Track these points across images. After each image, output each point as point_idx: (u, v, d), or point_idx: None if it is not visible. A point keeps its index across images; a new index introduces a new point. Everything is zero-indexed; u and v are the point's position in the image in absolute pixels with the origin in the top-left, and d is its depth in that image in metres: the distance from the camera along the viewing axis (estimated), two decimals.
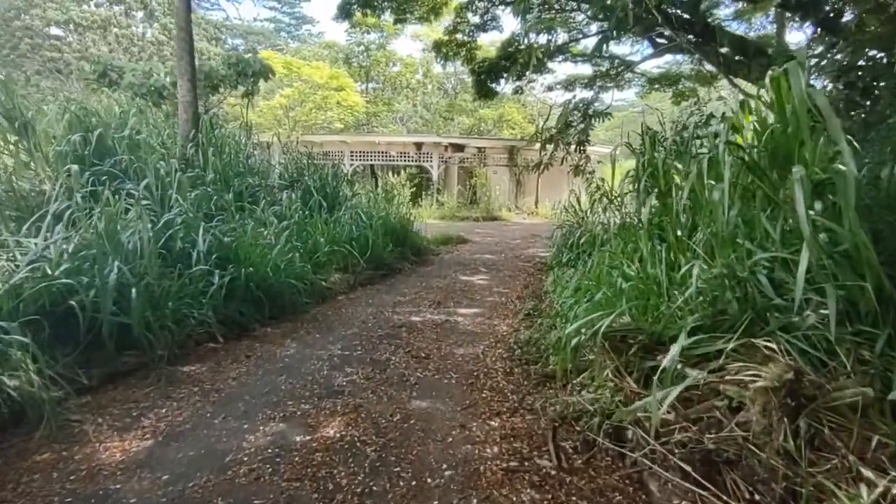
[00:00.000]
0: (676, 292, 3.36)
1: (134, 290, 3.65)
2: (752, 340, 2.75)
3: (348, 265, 7.16)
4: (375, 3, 13.28)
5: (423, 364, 4.06)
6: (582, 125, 8.98)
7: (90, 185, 5.24)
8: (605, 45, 6.69)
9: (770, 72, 3.07)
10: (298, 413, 3.16)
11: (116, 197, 4.56)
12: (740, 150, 3.19)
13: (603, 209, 9.81)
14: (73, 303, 3.40)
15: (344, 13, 12.16)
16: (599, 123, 9.54)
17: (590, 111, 9.35)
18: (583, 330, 3.46)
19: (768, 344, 2.67)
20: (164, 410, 3.16)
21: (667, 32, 10.48)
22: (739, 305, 2.95)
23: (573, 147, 8.77)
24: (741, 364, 2.68)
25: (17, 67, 23.53)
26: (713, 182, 3.26)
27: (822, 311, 2.64)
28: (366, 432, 2.92)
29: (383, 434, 2.90)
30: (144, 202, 4.98)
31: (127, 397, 3.32)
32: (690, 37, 10.13)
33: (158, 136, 7.29)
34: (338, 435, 2.88)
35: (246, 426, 2.97)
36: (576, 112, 8.94)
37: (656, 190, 5.47)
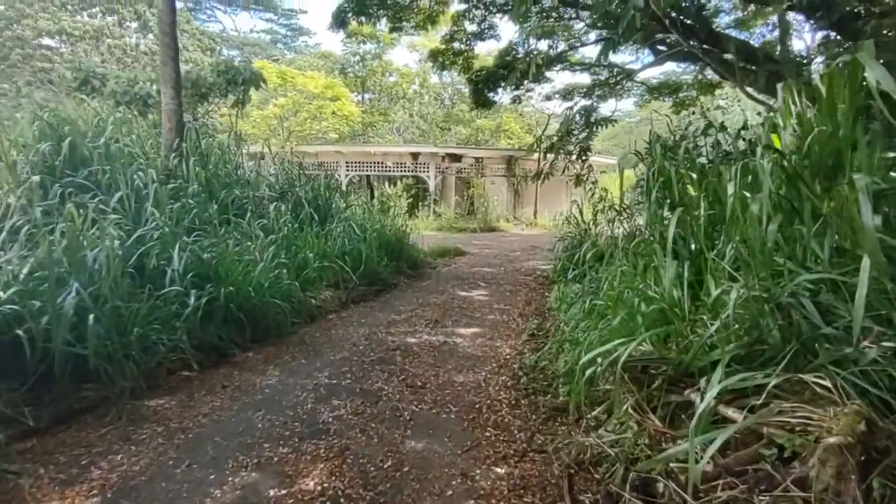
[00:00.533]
0: (704, 317, 2.98)
1: (91, 317, 3.24)
2: (800, 376, 2.37)
3: (340, 281, 6.76)
4: (370, 12, 12.99)
5: (418, 394, 3.66)
6: (584, 133, 8.65)
7: (59, 197, 4.86)
8: (610, 50, 6.38)
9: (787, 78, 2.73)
10: (275, 459, 2.74)
11: (81, 211, 4.17)
12: (778, 156, 2.82)
13: (607, 221, 9.49)
14: (20, 332, 2.99)
15: (338, 22, 11.87)
16: (601, 131, 9.21)
17: (592, 118, 9.03)
18: (599, 359, 3.07)
19: (819, 381, 2.29)
20: (119, 457, 2.74)
21: (671, 38, 10.23)
22: (781, 334, 2.57)
23: (574, 156, 8.43)
24: (791, 405, 2.29)
25: (7, 78, 23.20)
26: (747, 193, 2.89)
27: (885, 344, 2.26)
28: (352, 483, 2.51)
29: (372, 486, 2.50)
30: (116, 217, 4.59)
31: (79, 440, 2.91)
32: (693, 43, 9.88)
33: (140, 145, 6.91)
34: (319, 488, 2.47)
35: (213, 476, 2.56)
36: (577, 119, 8.61)
37: (668, 201, 5.11)
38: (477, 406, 3.48)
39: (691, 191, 4.81)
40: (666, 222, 4.94)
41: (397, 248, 8.99)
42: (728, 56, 10.94)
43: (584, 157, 8.47)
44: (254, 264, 5.05)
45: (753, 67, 9.48)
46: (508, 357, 4.57)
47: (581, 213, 9.40)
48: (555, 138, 8.08)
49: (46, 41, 22.88)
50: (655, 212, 5.01)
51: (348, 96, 17.92)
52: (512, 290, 7.97)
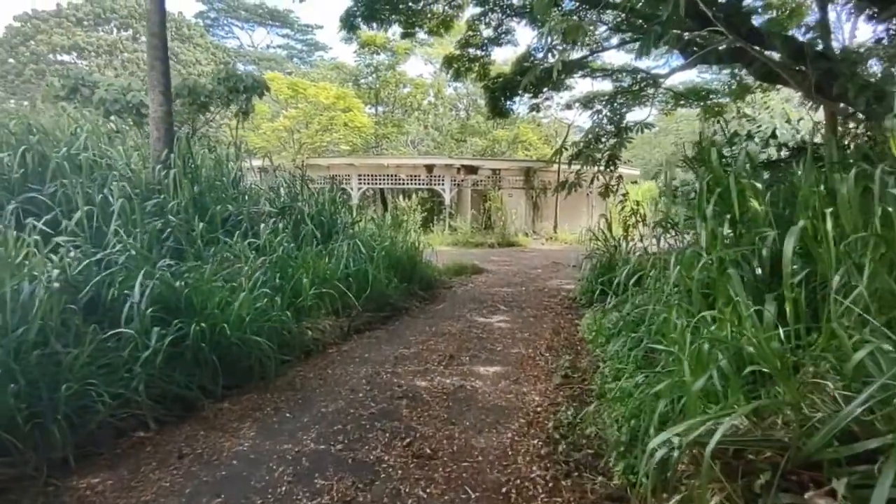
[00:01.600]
0: (830, 384, 2.12)
1: None
2: None
3: (343, 307, 5.99)
4: (382, 17, 12.36)
5: (427, 469, 2.83)
6: (614, 139, 7.83)
7: (13, 216, 4.18)
8: (651, 45, 5.59)
9: None
10: None
11: (28, 234, 3.46)
12: None
13: (640, 237, 8.61)
14: None
15: (347, 26, 11.25)
16: (634, 136, 8.36)
17: (623, 123, 8.19)
18: (675, 439, 2.23)
19: None
20: None
21: (702, 38, 9.41)
22: None
23: (602, 164, 7.61)
24: None
25: (23, 94, 23.21)
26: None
27: None
28: None
29: None
30: (68, 239, 3.88)
31: None
32: (730, 38, 9.05)
33: (125, 157, 6.27)
34: None
35: None
36: (606, 124, 7.80)
37: (728, 216, 4.24)
38: (503, 489, 2.64)
39: (755, 205, 3.97)
40: (727, 241, 4.12)
41: (409, 268, 8.21)
42: (768, 55, 10.03)
43: (612, 166, 7.63)
44: (236, 292, 4.29)
45: (799, 67, 8.58)
46: (539, 408, 3.72)
47: (609, 227, 8.55)
48: (581, 145, 7.26)
49: (62, 57, 22.88)
50: (713, 230, 4.15)
51: (361, 107, 17.35)
52: (536, 315, 7.12)
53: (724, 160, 4.33)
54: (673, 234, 5.75)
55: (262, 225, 6.02)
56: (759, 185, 4.07)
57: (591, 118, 8.56)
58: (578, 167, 7.32)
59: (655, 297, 4.41)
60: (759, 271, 3.59)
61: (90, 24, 23.92)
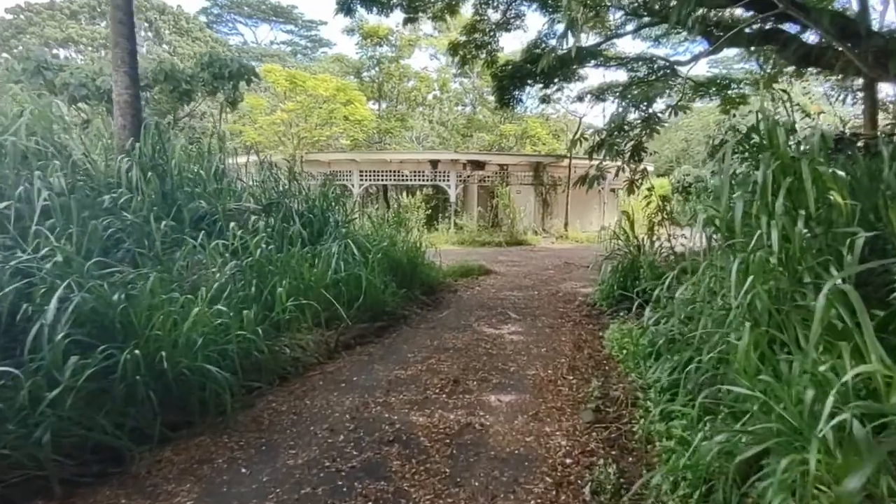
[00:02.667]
0: None
1: None
2: None
3: (331, 318, 5.18)
4: (382, 1, 11.51)
5: None
6: (639, 128, 6.97)
7: None
8: (689, 7, 4.77)
9: None
10: None
11: None
12: None
13: (668, 236, 7.75)
14: None
15: (344, 9, 10.43)
16: (665, 124, 7.48)
17: (652, 108, 7.32)
18: None
19: None
20: None
21: (738, 8, 8.55)
22: None
23: (627, 155, 6.75)
24: None
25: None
26: None
27: None
28: None
29: None
30: None
31: None
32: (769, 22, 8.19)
33: (84, 145, 5.49)
34: None
35: None
36: (632, 108, 6.93)
37: (803, 212, 3.40)
38: None
39: (838, 198, 3.16)
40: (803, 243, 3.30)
41: (409, 270, 7.40)
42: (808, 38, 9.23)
43: (637, 158, 6.78)
44: (190, 306, 3.49)
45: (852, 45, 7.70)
46: (568, 459, 2.90)
47: (631, 225, 7.71)
48: (603, 134, 6.41)
49: (56, 51, 22.23)
50: (782, 226, 3.31)
51: (362, 100, 16.55)
52: (552, 324, 6.29)
53: (828, 140, 3.46)
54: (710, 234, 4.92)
55: (233, 224, 5.20)
56: (841, 174, 3.27)
57: (615, 102, 7.68)
58: (599, 160, 6.48)
59: (707, 311, 3.59)
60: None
61: (86, 17, 23.27)
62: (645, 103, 7.24)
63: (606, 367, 4.57)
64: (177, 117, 8.39)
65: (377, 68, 22.08)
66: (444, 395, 3.83)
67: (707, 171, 27.14)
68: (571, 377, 4.31)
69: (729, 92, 15.20)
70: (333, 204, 7.36)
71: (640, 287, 7.29)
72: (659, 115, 7.14)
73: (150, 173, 5.28)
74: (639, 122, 6.97)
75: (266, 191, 6.98)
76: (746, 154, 4.41)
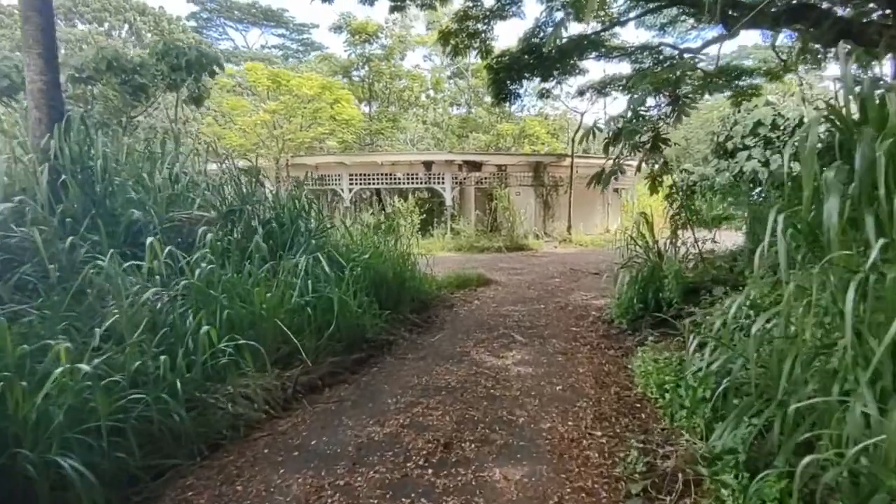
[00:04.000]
0: None
1: None
2: None
3: (292, 353, 4.15)
4: None
5: None
6: (664, 114, 5.94)
7: None
8: None
9: None
10: None
11: None
12: None
13: (695, 240, 6.75)
14: None
15: None
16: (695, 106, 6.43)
17: (679, 89, 6.27)
18: None
19: None
20: None
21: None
22: None
23: (648, 146, 5.73)
24: None
25: None
26: None
27: None
28: None
29: None
30: None
31: None
32: None
33: None
34: None
35: None
36: (655, 94, 5.89)
37: None
38: None
39: None
40: None
41: (396, 286, 6.38)
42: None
43: (660, 148, 5.76)
44: (61, 362, 2.44)
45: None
46: None
47: (650, 227, 6.69)
48: (620, 121, 5.38)
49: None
50: None
51: (350, 99, 15.54)
52: (565, 349, 5.25)
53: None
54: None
55: (201, 232, 4.16)
56: None
57: (616, 99, 6.66)
58: (616, 154, 5.46)
59: (793, 352, 2.57)
60: None
61: (59, 17, 22.24)
62: (675, 80, 6.15)
63: (643, 415, 3.53)
64: (129, 115, 7.37)
65: (367, 67, 21.05)
66: (429, 471, 2.78)
67: (711, 169, 26.21)
68: (599, 432, 3.27)
69: (740, 83, 14.16)
70: (306, 210, 6.32)
71: (664, 299, 6.30)
72: (688, 96, 6.13)
73: (67, 177, 4.25)
74: (664, 104, 5.92)
75: (226, 197, 5.94)
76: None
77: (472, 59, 27.24)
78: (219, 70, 8.14)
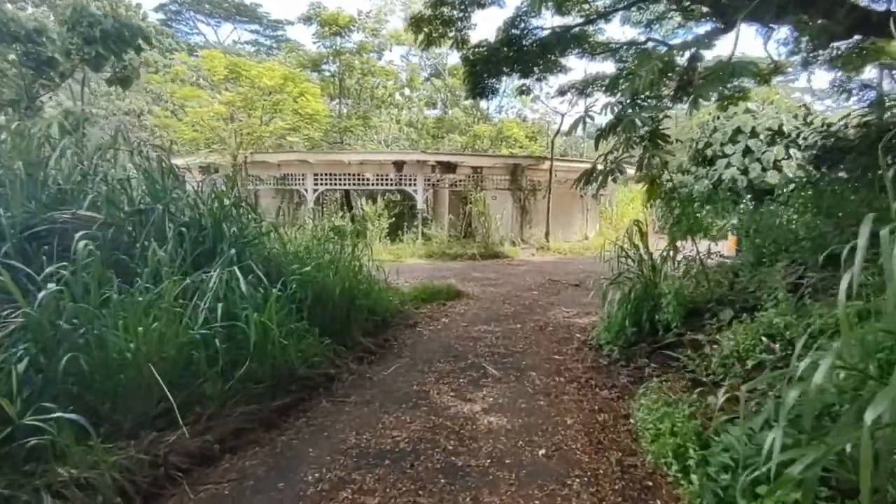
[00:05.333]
0: None
1: None
2: None
3: (183, 405, 3.05)
4: None
5: None
6: (666, 104, 5.01)
7: None
8: None
9: None
10: None
11: None
12: None
13: (698, 252, 5.85)
14: None
15: None
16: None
17: (699, 65, 5.28)
18: None
19: None
20: None
21: None
22: None
23: (645, 141, 4.78)
24: None
25: None
26: None
27: None
28: None
29: None
30: None
31: None
32: None
33: None
34: None
35: None
36: (662, 71, 4.91)
37: None
38: None
39: None
40: None
41: (345, 304, 5.29)
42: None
43: (659, 145, 4.82)
44: None
45: None
46: None
47: (643, 236, 5.77)
48: (615, 109, 4.42)
49: None
50: None
51: (315, 92, 14.36)
52: (548, 388, 4.25)
53: None
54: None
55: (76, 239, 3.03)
56: None
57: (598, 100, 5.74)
58: (615, 145, 4.51)
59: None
60: None
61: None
62: (694, 53, 5.17)
63: (654, 496, 2.54)
64: (31, 95, 6.13)
65: (337, 61, 19.85)
66: None
67: (689, 177, 25.76)
68: None
69: (727, 87, 13.48)
70: (238, 211, 5.19)
71: (661, 322, 5.39)
72: (704, 78, 5.20)
73: None
74: (666, 94, 5.00)
75: (133, 195, 4.78)
76: None
77: (448, 52, 26.36)
78: (145, 45, 6.94)
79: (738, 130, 23.33)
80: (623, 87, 5.21)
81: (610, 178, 4.25)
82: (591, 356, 5.18)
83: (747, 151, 22.77)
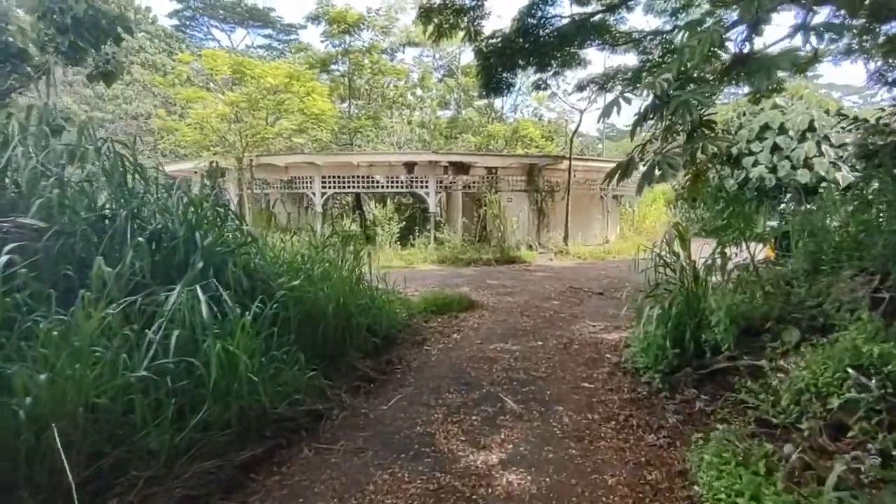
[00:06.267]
0: None
1: None
2: None
3: (116, 464, 2.37)
4: None
5: None
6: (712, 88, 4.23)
7: None
8: None
9: None
10: None
11: None
12: None
13: (752, 258, 5.06)
14: None
15: None
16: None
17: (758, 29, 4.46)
18: None
19: None
20: None
21: None
22: None
23: (685, 130, 4.01)
24: None
25: None
26: None
27: None
28: None
29: None
30: None
31: None
32: None
33: None
34: None
35: None
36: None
37: None
38: None
39: None
40: None
41: (340, 321, 4.60)
42: None
43: (706, 135, 4.04)
44: None
45: None
46: None
47: (682, 239, 4.98)
48: (660, 87, 3.64)
49: None
50: None
51: (322, 91, 13.77)
52: (579, 430, 3.49)
53: None
54: None
55: None
56: None
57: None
58: (653, 128, 3.77)
59: None
60: None
61: None
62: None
63: None
64: (3, 91, 5.56)
65: (346, 59, 19.25)
66: None
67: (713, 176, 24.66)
68: None
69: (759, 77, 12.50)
70: (217, 217, 4.53)
71: (708, 342, 4.61)
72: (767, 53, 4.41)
73: None
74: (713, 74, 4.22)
75: (92, 197, 4.14)
76: None
77: (461, 50, 25.58)
78: (126, 35, 6.34)
79: (766, 127, 22.15)
80: (669, 63, 4.42)
81: (656, 172, 3.48)
82: (628, 384, 4.41)
83: (775, 149, 21.61)
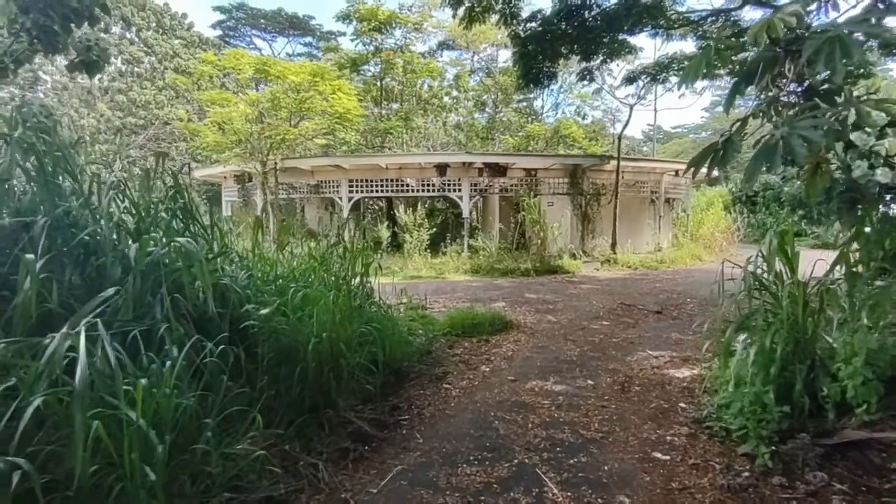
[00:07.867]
0: None
1: None
2: None
3: None
4: None
5: None
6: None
7: None
8: None
9: None
10: None
11: None
12: None
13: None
14: None
15: None
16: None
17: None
18: None
19: None
20: None
21: None
22: None
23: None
24: None
25: None
26: None
27: None
28: None
29: None
30: None
31: None
32: None
33: None
34: None
35: None
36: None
37: None
38: None
39: None
40: None
41: (328, 362, 3.53)
42: None
43: (824, 104, 2.79)
44: None
45: None
46: None
47: (788, 258, 3.69)
48: (782, 25, 2.42)
49: None
50: None
51: (348, 90, 12.92)
52: None
53: None
54: None
55: None
56: None
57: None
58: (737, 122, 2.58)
59: None
60: None
61: None
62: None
63: None
64: None
65: (378, 58, 18.41)
66: None
67: (776, 177, 22.47)
68: None
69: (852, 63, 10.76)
70: (165, 224, 3.55)
71: (831, 397, 3.31)
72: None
73: None
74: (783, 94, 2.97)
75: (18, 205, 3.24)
76: None
77: (497, 49, 24.36)
78: (103, 14, 5.56)
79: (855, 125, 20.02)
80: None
81: (779, 150, 2.26)
82: (718, 457, 3.15)
83: (849, 146, 19.43)
